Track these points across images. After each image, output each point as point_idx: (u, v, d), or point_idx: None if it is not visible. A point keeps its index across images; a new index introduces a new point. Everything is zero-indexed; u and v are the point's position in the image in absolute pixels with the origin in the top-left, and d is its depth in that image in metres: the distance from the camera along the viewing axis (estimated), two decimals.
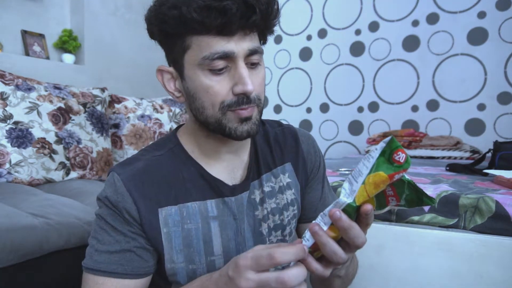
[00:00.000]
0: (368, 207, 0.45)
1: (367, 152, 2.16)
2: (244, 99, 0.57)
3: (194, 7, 0.52)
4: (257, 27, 0.57)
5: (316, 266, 0.48)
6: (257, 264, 0.46)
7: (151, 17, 0.58)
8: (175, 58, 0.60)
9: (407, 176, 0.45)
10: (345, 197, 0.46)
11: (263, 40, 0.63)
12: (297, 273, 0.45)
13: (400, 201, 0.46)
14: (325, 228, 0.47)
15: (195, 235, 0.62)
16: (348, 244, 0.47)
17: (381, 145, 0.44)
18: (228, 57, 0.55)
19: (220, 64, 0.55)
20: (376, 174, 0.44)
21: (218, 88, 0.56)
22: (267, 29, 0.60)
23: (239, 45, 0.55)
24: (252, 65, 0.59)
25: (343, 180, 1.10)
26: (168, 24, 0.55)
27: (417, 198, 0.46)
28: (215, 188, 0.64)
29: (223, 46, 0.54)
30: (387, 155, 0.44)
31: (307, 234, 0.49)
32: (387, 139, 0.44)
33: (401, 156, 0.43)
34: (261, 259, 0.45)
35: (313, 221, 0.49)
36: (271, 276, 0.45)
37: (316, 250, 0.49)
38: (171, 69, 0.62)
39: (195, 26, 0.53)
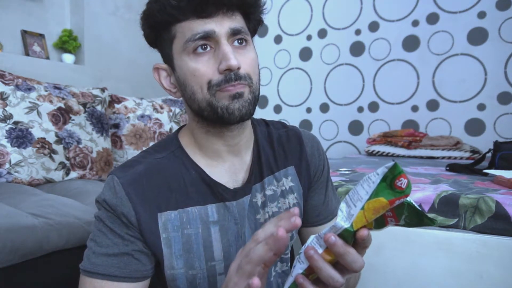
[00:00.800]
0: (365, 232, 0.44)
1: (367, 152, 2.16)
2: (232, 75, 0.56)
3: None
4: (235, 5, 0.57)
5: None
6: (241, 275, 0.44)
7: (142, 18, 0.61)
8: (166, 52, 0.61)
9: (408, 198, 0.43)
10: (342, 221, 0.45)
11: (252, 29, 0.63)
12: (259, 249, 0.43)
13: (399, 221, 0.45)
14: (320, 250, 0.46)
15: (195, 240, 0.61)
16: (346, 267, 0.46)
17: (383, 170, 0.42)
18: (209, 36, 0.56)
19: (202, 44, 0.56)
20: (376, 200, 0.42)
21: (204, 69, 0.57)
22: (248, 9, 0.60)
23: (220, 25, 0.56)
24: (239, 45, 0.59)
25: (343, 180, 1.10)
26: (154, 18, 0.58)
27: (417, 219, 0.44)
28: (216, 193, 0.63)
29: (203, 26, 0.56)
30: (388, 181, 0.42)
31: (302, 256, 0.48)
32: (390, 164, 0.42)
33: (403, 182, 0.41)
34: (240, 270, 0.44)
35: (308, 243, 0.47)
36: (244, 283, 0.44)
37: (311, 273, 0.47)
38: (165, 65, 0.63)
39: (174, 12, 0.56)
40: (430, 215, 0.90)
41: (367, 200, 0.43)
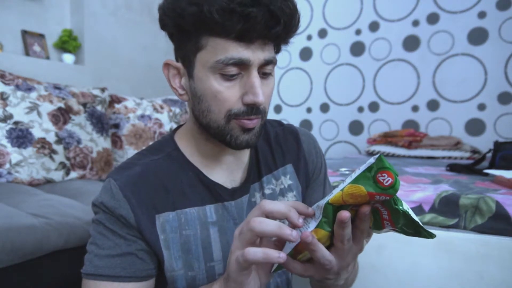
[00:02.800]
0: (345, 214, 0.43)
1: (368, 152, 2.16)
2: (253, 109, 0.56)
3: (217, 8, 0.49)
4: (277, 38, 0.56)
5: (293, 265, 0.48)
6: (242, 240, 0.46)
7: (166, 8, 0.55)
8: (186, 55, 0.57)
9: (404, 206, 0.43)
10: (324, 200, 0.46)
11: (277, 49, 0.61)
12: (257, 250, 0.44)
13: (395, 227, 0.45)
14: (314, 224, 0.47)
15: (193, 241, 0.61)
16: (341, 243, 0.46)
17: (370, 160, 0.42)
18: (243, 64, 0.54)
19: (233, 70, 0.54)
20: (356, 186, 0.42)
21: (228, 94, 0.55)
22: (285, 40, 0.59)
23: (256, 54, 0.54)
24: (264, 75, 0.57)
25: (343, 180, 1.10)
26: (184, 20, 0.53)
27: (414, 229, 0.44)
28: (214, 193, 0.63)
29: (240, 53, 0.53)
30: (373, 172, 0.41)
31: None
32: (376, 156, 0.41)
33: (386, 179, 0.40)
34: (242, 235, 0.46)
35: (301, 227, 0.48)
36: (239, 252, 0.45)
37: (299, 253, 0.48)
38: (179, 65, 0.60)
39: (214, 27, 0.51)
40: (430, 216, 0.89)
41: (348, 184, 0.43)
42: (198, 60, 0.56)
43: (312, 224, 0.47)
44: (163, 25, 0.58)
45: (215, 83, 0.55)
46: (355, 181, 0.43)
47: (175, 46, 0.60)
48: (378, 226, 0.46)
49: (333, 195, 0.44)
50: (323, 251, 0.45)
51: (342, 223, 0.43)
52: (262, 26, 0.51)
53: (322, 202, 0.46)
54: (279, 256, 0.43)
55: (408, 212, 0.43)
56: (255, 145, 0.60)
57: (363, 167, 0.43)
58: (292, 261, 0.48)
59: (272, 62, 0.57)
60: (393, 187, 0.40)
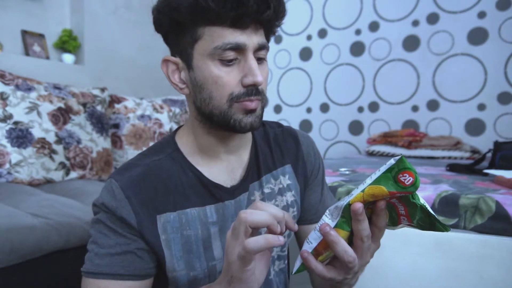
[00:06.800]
0: (357, 205, 0.44)
1: (368, 152, 2.16)
2: (253, 90, 0.58)
3: None
4: (268, 22, 0.58)
5: (315, 264, 0.49)
6: (236, 236, 0.47)
7: (161, 6, 0.57)
8: (184, 48, 0.59)
9: (421, 200, 0.44)
10: (343, 200, 0.47)
11: (267, 37, 0.63)
12: (258, 238, 0.46)
13: (412, 222, 0.46)
14: (332, 224, 0.48)
15: (194, 241, 0.61)
16: (360, 241, 0.48)
17: (391, 161, 0.44)
18: (239, 48, 0.56)
19: (231, 55, 0.56)
20: (377, 187, 0.43)
21: (228, 79, 0.57)
22: (275, 26, 0.61)
23: (250, 39, 0.56)
24: (259, 60, 0.60)
25: (343, 180, 1.10)
26: (181, 13, 0.55)
27: (430, 223, 0.45)
28: (215, 193, 0.63)
29: (236, 38, 0.55)
30: (394, 173, 0.43)
31: (311, 236, 0.49)
32: (397, 157, 0.43)
33: (407, 178, 0.42)
34: (235, 231, 0.48)
35: (321, 222, 0.49)
36: (239, 248, 0.47)
37: (319, 254, 0.48)
38: (177, 59, 0.61)
39: (210, 16, 0.54)
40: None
41: (369, 185, 0.44)
42: (197, 50, 0.58)
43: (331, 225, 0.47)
44: (159, 25, 0.60)
45: (215, 69, 0.57)
46: (376, 182, 0.44)
47: (171, 43, 0.62)
48: (394, 222, 0.48)
49: (353, 196, 0.45)
50: (344, 245, 0.46)
51: (356, 214, 0.45)
52: (254, 10, 0.54)
53: (341, 203, 0.47)
54: (278, 238, 0.46)
55: (425, 206, 0.44)
56: (259, 127, 0.61)
57: (383, 168, 0.44)
58: (314, 261, 0.49)
59: (265, 47, 0.59)
60: (414, 185, 0.42)
